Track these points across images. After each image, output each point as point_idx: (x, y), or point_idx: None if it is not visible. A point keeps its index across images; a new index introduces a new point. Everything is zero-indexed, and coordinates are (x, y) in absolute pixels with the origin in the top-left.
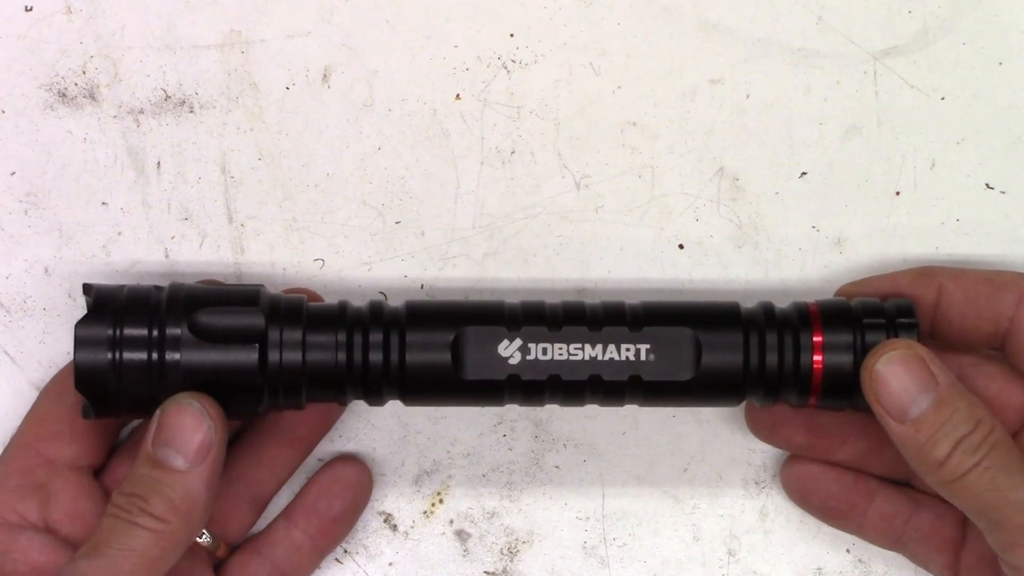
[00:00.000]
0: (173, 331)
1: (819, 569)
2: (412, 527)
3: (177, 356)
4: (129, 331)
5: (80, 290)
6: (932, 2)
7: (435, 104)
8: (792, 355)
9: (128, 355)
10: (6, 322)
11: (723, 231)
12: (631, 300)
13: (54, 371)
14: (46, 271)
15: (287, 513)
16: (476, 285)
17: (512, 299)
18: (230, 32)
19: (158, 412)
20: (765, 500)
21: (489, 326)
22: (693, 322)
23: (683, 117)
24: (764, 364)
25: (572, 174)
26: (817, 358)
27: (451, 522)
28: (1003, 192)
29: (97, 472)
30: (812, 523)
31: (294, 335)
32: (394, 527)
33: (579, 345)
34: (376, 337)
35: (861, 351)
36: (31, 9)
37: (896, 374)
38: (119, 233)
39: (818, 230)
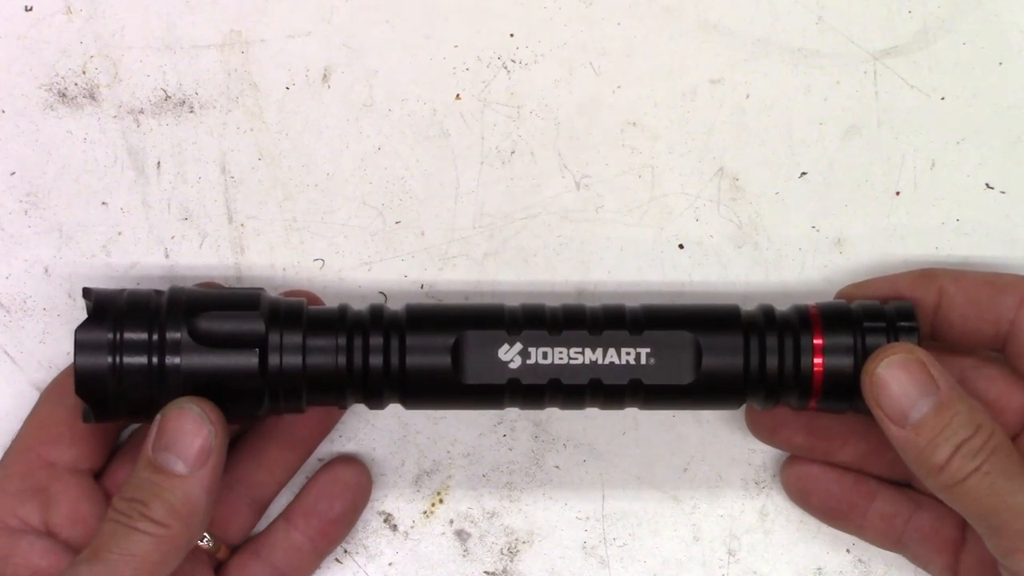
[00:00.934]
0: (173, 335)
1: (819, 569)
2: (412, 527)
3: (177, 360)
4: (129, 335)
5: (80, 291)
6: (932, 2)
7: (435, 104)
8: (792, 358)
9: (128, 359)
10: (6, 322)
11: (723, 231)
12: (631, 303)
13: (54, 372)
14: (46, 271)
15: (287, 515)
16: (476, 286)
17: (512, 302)
18: (230, 32)
19: (158, 417)
20: (765, 500)
21: (489, 330)
22: (693, 325)
23: (683, 117)
24: (764, 367)
25: (572, 174)
26: (817, 361)
27: (451, 522)
28: (1003, 192)
29: (97, 475)
30: (812, 523)
31: (294, 339)
32: (394, 527)
33: (579, 349)
34: (376, 341)
35: (862, 354)
36: (31, 9)
37: (897, 378)
38: (119, 233)
39: (818, 230)
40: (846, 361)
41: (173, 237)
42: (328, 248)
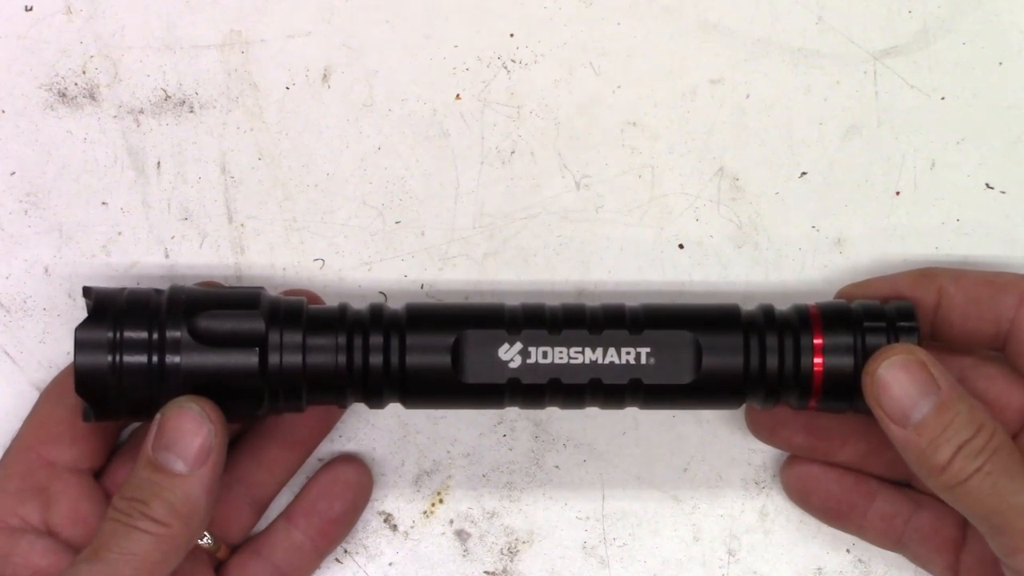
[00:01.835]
0: (173, 334)
1: (819, 569)
2: (412, 527)
3: (177, 359)
4: (129, 334)
5: (80, 290)
6: (932, 2)
7: (435, 104)
8: (792, 358)
9: (128, 358)
10: (6, 322)
11: (723, 231)
12: (631, 303)
13: (54, 372)
14: (46, 271)
15: (287, 514)
16: (476, 286)
17: (512, 302)
18: (230, 32)
19: (158, 416)
20: (765, 500)
21: (489, 329)
22: (693, 325)
23: (683, 117)
24: (764, 367)
25: (572, 174)
26: (817, 361)
27: (451, 522)
28: (1003, 192)
29: (97, 474)
30: (812, 523)
31: (294, 338)
32: (394, 527)
33: (579, 348)
34: (376, 340)
35: (862, 354)
36: (31, 9)
37: (897, 379)
38: (119, 233)
39: (818, 230)
40: (846, 361)
41: (173, 237)
42: (328, 248)
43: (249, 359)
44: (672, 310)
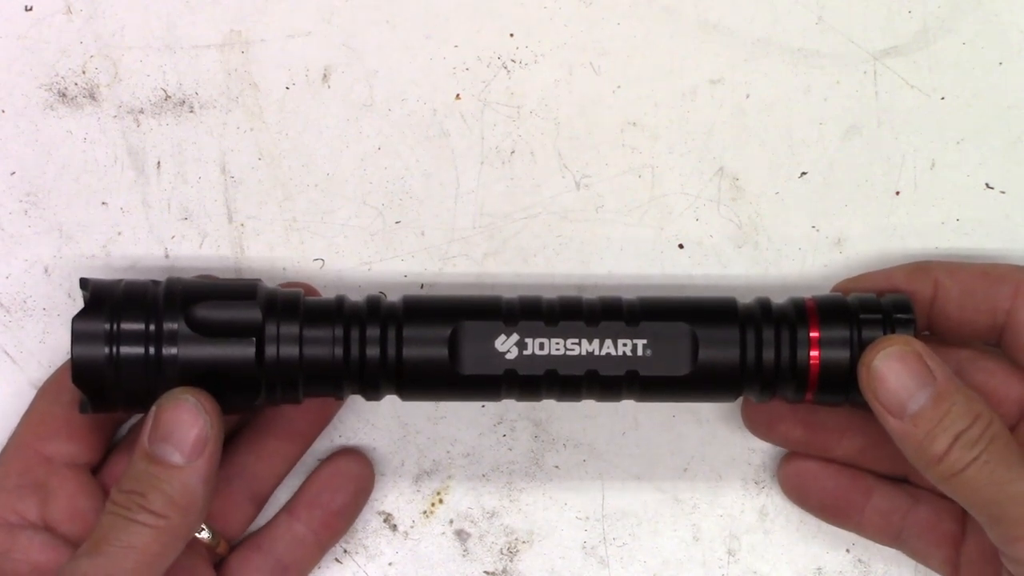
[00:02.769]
0: (170, 325)
1: (819, 569)
2: (412, 527)
3: (174, 350)
4: (126, 325)
5: (79, 291)
6: (932, 2)
7: (435, 104)
8: (789, 350)
9: (125, 349)
10: (6, 322)
11: (723, 231)
12: (628, 295)
13: (53, 371)
14: (46, 271)
15: (289, 507)
16: (476, 287)
17: (509, 294)
18: (230, 32)
19: (154, 408)
20: (765, 500)
21: (486, 321)
22: (690, 317)
23: (683, 117)
24: (761, 359)
25: (572, 174)
26: (814, 353)
27: (451, 522)
28: (1003, 192)
29: (95, 470)
30: (812, 523)
31: (291, 329)
32: (394, 527)
33: (576, 340)
34: (373, 332)
35: (858, 346)
36: (31, 9)
37: (893, 370)
38: (119, 233)
39: (818, 230)
40: (842, 354)
41: (173, 237)
42: (328, 248)
43: (246, 349)
44: (669, 302)
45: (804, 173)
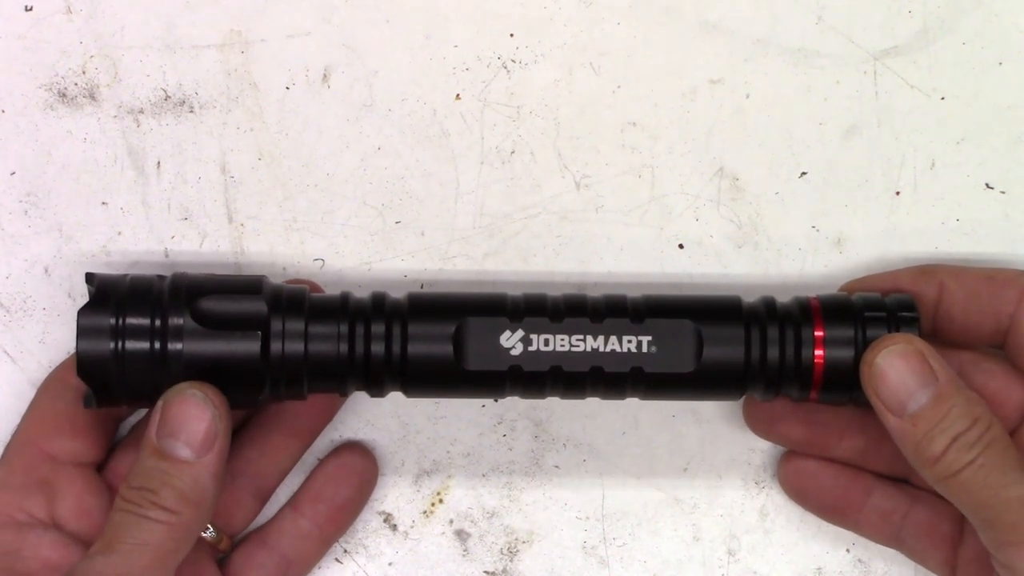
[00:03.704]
0: (175, 320)
1: (819, 569)
2: (412, 527)
3: (179, 345)
4: (131, 320)
5: (80, 289)
6: (932, 2)
7: (435, 104)
8: (793, 349)
9: (130, 343)
10: (6, 322)
11: (723, 231)
12: (633, 293)
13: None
14: (46, 271)
15: (293, 503)
16: (476, 287)
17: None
18: (230, 32)
19: (160, 402)
20: (765, 500)
21: (491, 317)
22: (695, 315)
23: (683, 117)
24: (765, 358)
25: (572, 174)
26: (818, 352)
27: (451, 522)
28: (1003, 192)
29: (99, 468)
30: (812, 523)
31: (296, 325)
32: (394, 527)
33: (581, 336)
34: (378, 328)
35: (862, 346)
36: (31, 9)
37: (895, 368)
38: (119, 233)
39: (818, 230)
40: (847, 353)
41: (173, 237)
42: (328, 248)
43: (251, 344)
44: (674, 300)
45: (804, 173)
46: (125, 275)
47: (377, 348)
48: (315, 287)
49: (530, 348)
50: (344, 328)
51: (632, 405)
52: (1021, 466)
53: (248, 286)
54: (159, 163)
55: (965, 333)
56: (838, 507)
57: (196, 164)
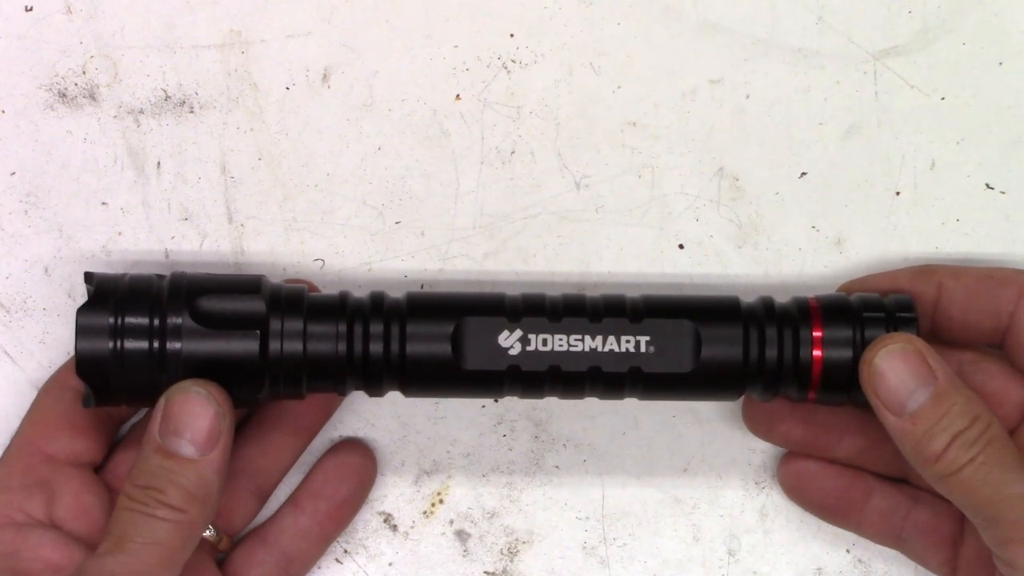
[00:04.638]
0: (174, 319)
1: (819, 569)
2: (412, 527)
3: (178, 344)
4: (130, 319)
5: (80, 289)
6: (932, 2)
7: (435, 104)
8: (792, 349)
9: (129, 342)
10: (6, 322)
11: (723, 231)
12: (632, 293)
13: (54, 371)
14: (46, 271)
15: (293, 500)
16: (476, 287)
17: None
18: (230, 32)
19: (162, 400)
20: (765, 500)
21: (489, 316)
22: (693, 315)
23: (683, 117)
24: (764, 358)
25: (572, 174)
26: (817, 352)
27: (451, 522)
28: (1003, 192)
29: (97, 469)
30: (812, 523)
31: (295, 324)
32: (394, 527)
33: (579, 336)
34: (377, 327)
35: (861, 346)
36: (31, 9)
37: (894, 368)
38: (119, 233)
39: (818, 230)
40: (845, 353)
41: (173, 237)
42: (328, 248)
43: (250, 343)
44: (672, 300)
45: (804, 173)
46: (124, 274)
47: (375, 348)
48: (313, 287)
49: (528, 348)
50: (343, 327)
51: (632, 405)
52: (1021, 464)
53: (247, 285)
54: (159, 163)
55: (964, 333)
56: (838, 507)
57: (196, 164)
